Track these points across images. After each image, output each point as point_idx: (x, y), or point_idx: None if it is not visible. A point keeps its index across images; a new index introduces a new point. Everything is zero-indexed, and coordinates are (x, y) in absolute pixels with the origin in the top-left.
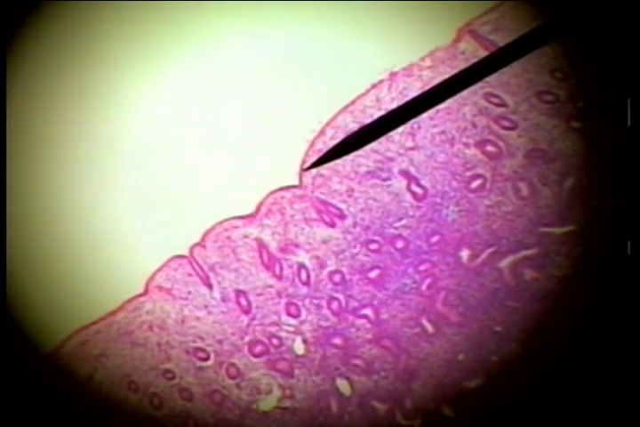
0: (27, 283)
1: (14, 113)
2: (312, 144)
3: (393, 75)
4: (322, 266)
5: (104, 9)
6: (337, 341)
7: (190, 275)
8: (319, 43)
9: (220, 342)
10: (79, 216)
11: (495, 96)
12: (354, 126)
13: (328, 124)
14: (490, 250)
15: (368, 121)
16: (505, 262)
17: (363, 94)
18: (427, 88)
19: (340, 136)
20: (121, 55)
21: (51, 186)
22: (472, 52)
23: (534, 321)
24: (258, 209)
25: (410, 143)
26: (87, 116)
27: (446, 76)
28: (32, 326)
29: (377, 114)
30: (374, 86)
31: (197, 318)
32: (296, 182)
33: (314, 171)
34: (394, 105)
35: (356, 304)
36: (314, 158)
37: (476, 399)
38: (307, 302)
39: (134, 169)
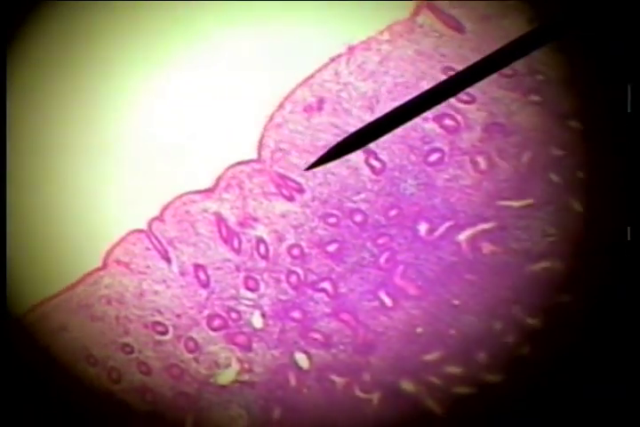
0: None
1: (14, 112)
2: (271, 118)
3: (351, 49)
4: (280, 240)
5: (103, 9)
6: (295, 314)
7: (149, 249)
8: (278, 17)
9: (178, 316)
10: (39, 190)
11: (453, 70)
12: (312, 100)
13: (287, 98)
14: (448, 223)
15: (326, 95)
16: (463, 236)
17: (321, 68)
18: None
19: (299, 110)
20: (121, 55)
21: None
22: (430, 26)
23: (493, 295)
24: (216, 183)
25: (368, 117)
26: (86, 115)
27: (449, 75)
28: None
29: (335, 88)
30: (333, 60)
31: (156, 293)
32: (255, 157)
33: (272, 145)
34: (352, 79)
35: (314, 278)
36: (313, 160)
37: (434, 372)
38: (265, 275)
39: (94, 141)
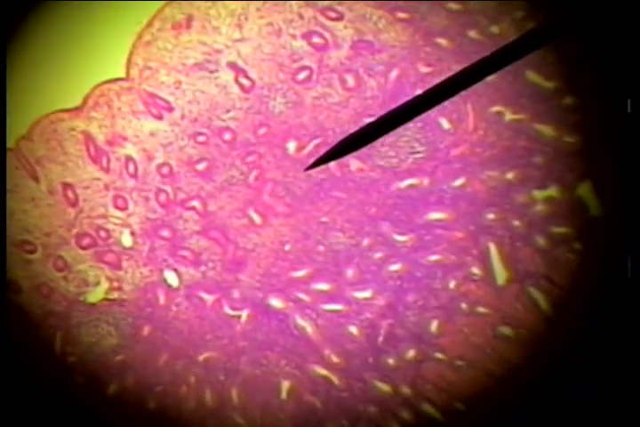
0: None
1: (14, 113)
2: (140, 36)
3: None
4: (150, 158)
5: (103, 9)
6: (165, 233)
7: (17, 168)
8: None
9: (47, 234)
10: None
11: None
12: (181, 17)
13: (155, 15)
14: (316, 141)
15: (195, 12)
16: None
17: None
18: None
19: (168, 28)
20: (121, 54)
21: None
22: None
23: (361, 212)
24: (84, 102)
25: (237, 35)
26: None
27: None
28: None
29: (204, 5)
30: None
31: (24, 211)
32: (123, 75)
33: (141, 63)
34: None
35: (184, 196)
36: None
37: (303, 289)
38: (134, 194)
39: None
